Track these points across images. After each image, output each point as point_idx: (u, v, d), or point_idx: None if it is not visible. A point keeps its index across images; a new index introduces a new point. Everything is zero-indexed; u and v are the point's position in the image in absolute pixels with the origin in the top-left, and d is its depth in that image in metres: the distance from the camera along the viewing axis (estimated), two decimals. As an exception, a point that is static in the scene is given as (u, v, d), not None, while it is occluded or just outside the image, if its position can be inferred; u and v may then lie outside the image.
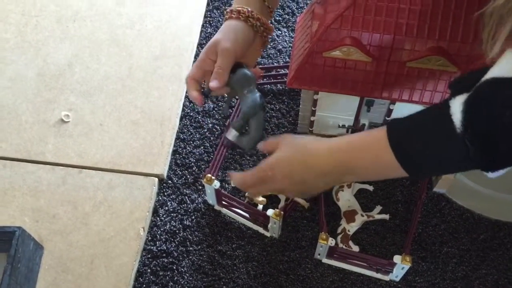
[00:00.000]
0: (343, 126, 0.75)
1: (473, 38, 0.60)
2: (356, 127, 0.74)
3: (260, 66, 0.84)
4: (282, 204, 0.72)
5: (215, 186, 0.69)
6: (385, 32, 0.61)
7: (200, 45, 0.88)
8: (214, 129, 0.80)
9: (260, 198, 0.70)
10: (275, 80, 0.82)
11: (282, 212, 0.66)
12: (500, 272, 0.68)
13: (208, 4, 0.93)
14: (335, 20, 0.61)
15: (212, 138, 0.79)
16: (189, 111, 0.82)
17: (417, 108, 0.67)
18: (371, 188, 0.74)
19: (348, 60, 0.63)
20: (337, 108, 0.73)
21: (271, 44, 0.87)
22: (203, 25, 0.90)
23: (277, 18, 0.90)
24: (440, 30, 0.60)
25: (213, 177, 0.69)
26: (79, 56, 0.86)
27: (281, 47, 0.87)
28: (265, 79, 0.83)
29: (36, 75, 0.84)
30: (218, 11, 0.92)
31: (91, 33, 0.89)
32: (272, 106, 0.81)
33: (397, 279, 0.67)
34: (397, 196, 0.73)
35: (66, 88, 0.83)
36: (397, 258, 0.63)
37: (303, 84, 0.67)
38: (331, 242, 0.64)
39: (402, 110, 0.70)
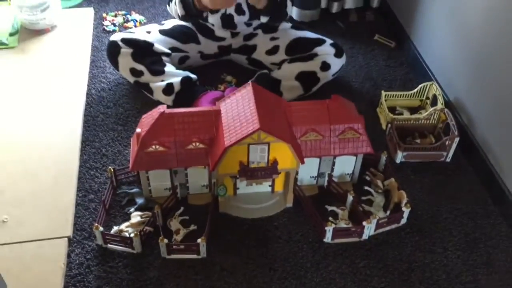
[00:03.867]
0: (167, 189, 1.41)
1: (215, 133, 1.31)
2: (172, 187, 1.39)
3: (120, 168, 1.47)
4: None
5: (100, 230, 1.28)
6: (170, 136, 1.30)
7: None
8: (97, 208, 1.39)
9: (125, 228, 1.30)
10: (128, 170, 1.45)
11: (138, 233, 1.27)
12: (259, 244, 1.33)
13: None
14: (146, 134, 1.30)
15: (95, 213, 1.38)
16: (80, 201, 1.41)
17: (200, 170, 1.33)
18: (187, 217, 1.37)
19: (157, 151, 1.31)
20: (160, 178, 1.38)
21: (125, 153, 1.53)
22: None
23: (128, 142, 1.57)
24: (195, 130, 1.31)
25: (99, 226, 1.28)
26: None
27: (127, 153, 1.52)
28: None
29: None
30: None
31: None
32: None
33: (205, 255, 1.29)
34: (203, 217, 1.36)
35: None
36: (199, 241, 1.26)
37: (138, 167, 1.33)
38: (165, 240, 1.26)
39: (193, 173, 1.37)
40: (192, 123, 1.31)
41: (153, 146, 1.30)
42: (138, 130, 1.33)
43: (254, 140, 1.23)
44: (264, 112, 1.25)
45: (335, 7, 2.11)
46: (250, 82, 1.36)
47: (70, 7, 2.14)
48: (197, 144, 1.31)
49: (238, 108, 1.28)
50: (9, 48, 1.89)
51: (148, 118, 1.33)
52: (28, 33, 1.97)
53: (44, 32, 1.98)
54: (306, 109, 1.36)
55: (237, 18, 1.71)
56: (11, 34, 1.93)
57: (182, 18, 1.70)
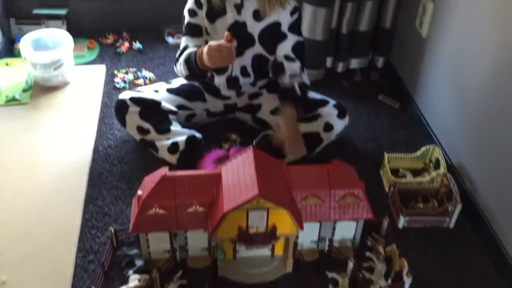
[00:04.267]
0: (166, 251, 1.40)
1: (215, 197, 1.32)
2: (171, 249, 1.39)
3: (120, 228, 1.47)
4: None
5: (98, 293, 1.27)
6: (170, 200, 1.31)
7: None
8: (96, 270, 1.39)
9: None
10: (128, 232, 1.45)
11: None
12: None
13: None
14: (147, 197, 1.31)
15: (94, 274, 1.38)
16: (80, 262, 1.41)
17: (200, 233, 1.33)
18: (185, 282, 1.36)
19: (157, 213, 1.32)
20: (160, 240, 1.38)
21: (127, 212, 1.53)
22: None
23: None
24: (196, 193, 1.32)
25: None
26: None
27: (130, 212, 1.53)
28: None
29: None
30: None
31: None
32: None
33: (202, 321, 1.27)
34: (201, 281, 1.35)
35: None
36: (196, 306, 1.25)
37: (138, 230, 1.34)
38: (163, 305, 1.24)
39: (192, 236, 1.37)
40: (193, 186, 1.32)
41: (154, 209, 1.31)
42: (139, 192, 1.35)
43: (253, 205, 1.23)
44: (264, 177, 1.26)
45: (340, 67, 2.15)
46: (251, 146, 1.37)
47: (83, 64, 2.21)
48: (197, 207, 1.31)
49: (238, 173, 1.29)
50: (21, 104, 1.94)
51: (150, 180, 1.35)
52: (40, 89, 2.02)
53: (57, 89, 2.04)
54: (307, 173, 1.37)
55: (242, 80, 1.75)
56: (24, 90, 1.99)
57: (186, 77, 1.74)
